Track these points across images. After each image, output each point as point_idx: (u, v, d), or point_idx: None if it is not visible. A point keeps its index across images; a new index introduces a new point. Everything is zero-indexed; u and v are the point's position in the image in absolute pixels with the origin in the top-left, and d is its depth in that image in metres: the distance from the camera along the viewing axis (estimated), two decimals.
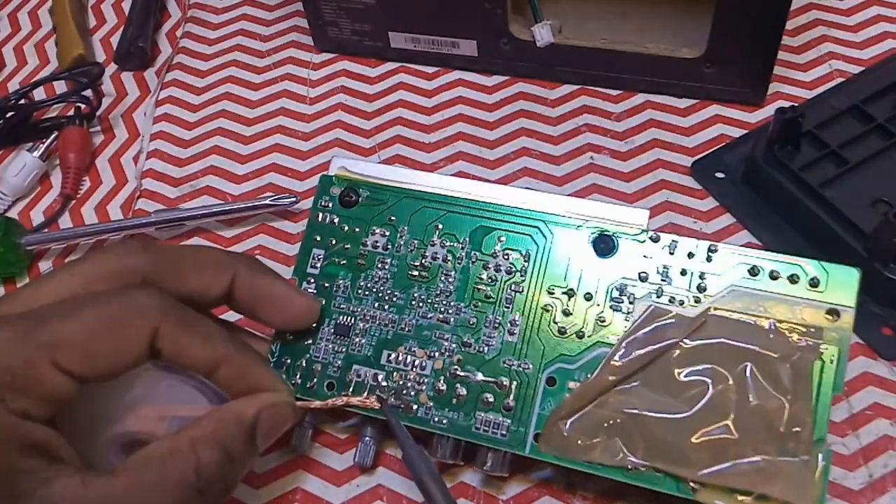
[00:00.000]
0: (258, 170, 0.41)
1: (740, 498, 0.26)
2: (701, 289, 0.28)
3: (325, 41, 0.45)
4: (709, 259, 0.29)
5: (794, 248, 0.34)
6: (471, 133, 0.41)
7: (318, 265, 0.32)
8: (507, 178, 0.39)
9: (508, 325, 0.30)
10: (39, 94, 0.46)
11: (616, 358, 0.28)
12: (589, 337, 0.29)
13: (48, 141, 0.43)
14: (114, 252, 0.26)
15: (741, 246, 0.29)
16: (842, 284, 0.27)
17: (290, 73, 0.45)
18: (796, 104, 0.35)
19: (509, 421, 0.28)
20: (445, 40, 0.42)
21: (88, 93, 0.44)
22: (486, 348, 0.30)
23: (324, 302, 0.31)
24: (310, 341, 0.31)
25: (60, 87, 0.47)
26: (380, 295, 0.31)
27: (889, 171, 0.34)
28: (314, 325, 0.31)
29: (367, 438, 0.31)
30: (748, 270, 0.28)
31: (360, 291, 0.31)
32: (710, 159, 0.38)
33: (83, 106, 0.44)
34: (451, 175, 0.33)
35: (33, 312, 0.24)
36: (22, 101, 0.44)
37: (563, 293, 0.29)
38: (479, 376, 0.29)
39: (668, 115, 0.40)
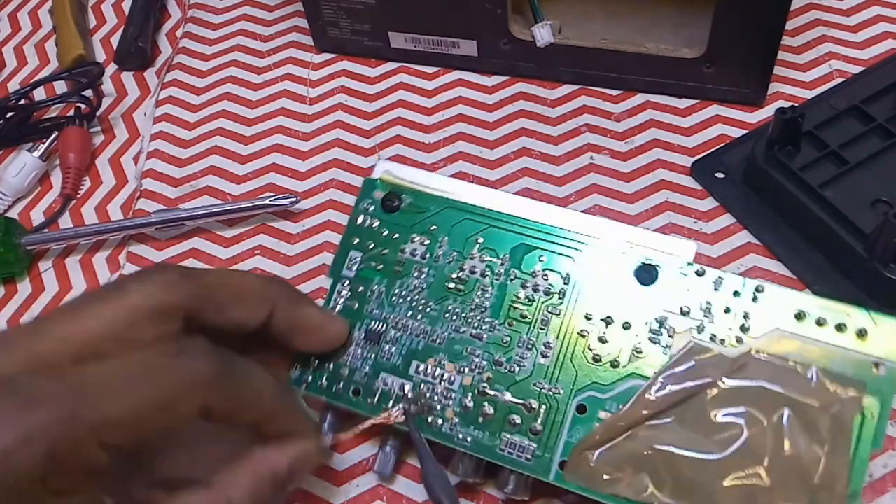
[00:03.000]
0: (258, 170, 0.41)
1: None
2: (744, 329, 0.27)
3: (325, 41, 0.45)
4: (754, 299, 0.28)
5: (794, 247, 0.34)
6: (471, 133, 0.41)
7: (355, 268, 0.32)
8: (507, 178, 0.39)
9: (542, 347, 0.29)
10: (39, 94, 0.46)
11: (651, 392, 0.27)
12: (624, 367, 0.28)
13: (48, 141, 0.43)
14: (154, 284, 0.25)
15: (781, 286, 0.28)
16: (890, 337, 0.26)
17: (290, 73, 0.45)
18: (796, 104, 0.35)
19: (535, 445, 0.28)
20: (445, 40, 0.42)
21: (88, 93, 0.44)
22: (517, 368, 0.29)
23: (357, 305, 0.31)
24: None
25: (60, 87, 0.47)
26: (414, 304, 0.31)
27: (889, 171, 0.34)
28: None
29: (388, 448, 0.30)
30: (794, 315, 0.27)
31: (394, 298, 0.31)
32: (710, 159, 0.38)
33: (83, 106, 0.44)
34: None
35: (78, 379, 0.22)
36: (22, 101, 0.44)
37: (601, 320, 0.29)
38: (508, 396, 0.29)
39: (668, 115, 0.40)
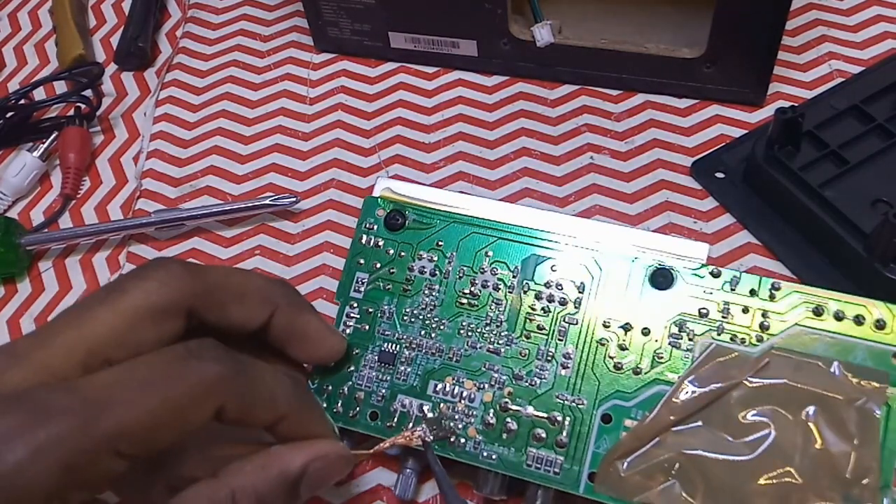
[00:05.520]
0: (258, 170, 0.41)
1: None
2: (763, 327, 0.27)
3: (325, 41, 0.45)
4: (772, 297, 0.28)
5: (794, 247, 0.34)
6: (471, 133, 0.41)
7: (362, 289, 0.31)
8: (507, 178, 0.39)
9: (562, 358, 0.29)
10: (39, 94, 0.46)
11: (676, 396, 0.27)
12: (646, 374, 0.28)
13: (48, 141, 0.43)
14: (156, 280, 0.24)
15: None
16: None
17: (290, 73, 0.45)
18: (796, 104, 0.35)
19: (562, 458, 0.28)
20: (445, 40, 0.42)
21: (88, 93, 0.44)
22: (538, 381, 0.29)
23: (367, 328, 0.31)
24: (352, 368, 0.30)
25: (60, 87, 0.47)
26: (426, 322, 0.30)
27: (889, 171, 0.34)
28: (356, 351, 0.30)
29: (407, 470, 0.30)
30: (812, 310, 0.27)
31: (405, 318, 0.31)
32: (710, 159, 0.38)
33: (83, 106, 0.44)
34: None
35: (90, 390, 0.21)
36: (22, 101, 0.44)
37: (620, 327, 0.29)
38: (531, 410, 0.28)
39: (668, 115, 0.40)
